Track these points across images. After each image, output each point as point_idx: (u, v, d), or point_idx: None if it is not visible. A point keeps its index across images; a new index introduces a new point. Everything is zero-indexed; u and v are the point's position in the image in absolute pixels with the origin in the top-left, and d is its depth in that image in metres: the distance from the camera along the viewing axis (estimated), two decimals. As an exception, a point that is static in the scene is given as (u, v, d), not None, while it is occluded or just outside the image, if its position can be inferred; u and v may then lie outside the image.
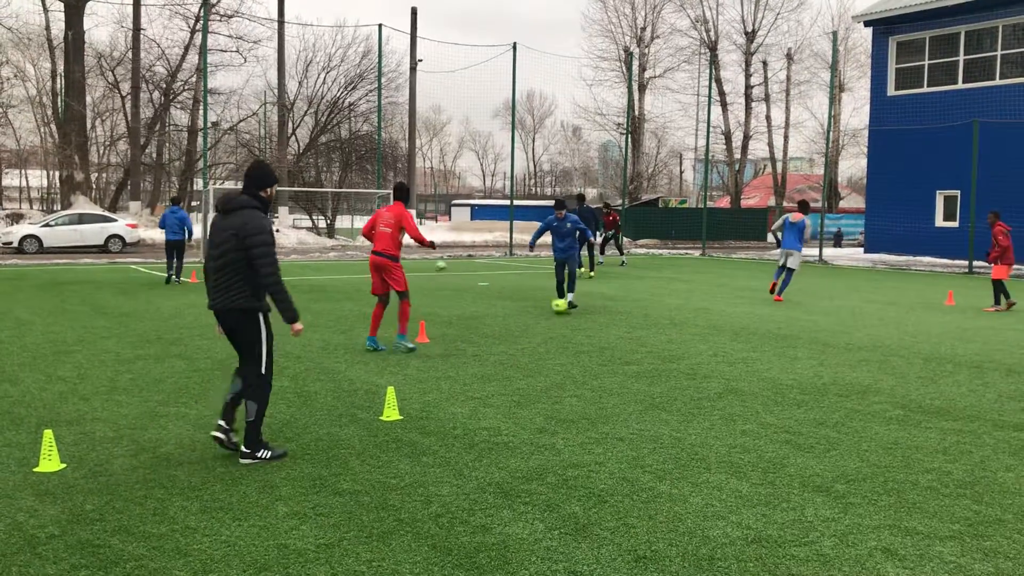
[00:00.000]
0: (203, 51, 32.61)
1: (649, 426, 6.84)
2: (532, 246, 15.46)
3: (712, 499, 5.16)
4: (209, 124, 40.24)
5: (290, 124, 44.87)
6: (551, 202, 35.22)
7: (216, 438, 5.87)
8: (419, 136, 64.12)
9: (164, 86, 44.07)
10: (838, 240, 47.43)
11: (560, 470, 5.67)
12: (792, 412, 7.38)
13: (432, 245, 10.93)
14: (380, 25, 31.43)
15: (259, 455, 5.77)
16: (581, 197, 25.07)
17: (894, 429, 6.83)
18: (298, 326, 6.09)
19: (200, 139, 33.99)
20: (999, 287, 15.74)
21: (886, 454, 6.14)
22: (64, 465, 5.65)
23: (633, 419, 7.06)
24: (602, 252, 27.03)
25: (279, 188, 41.34)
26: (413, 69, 44.35)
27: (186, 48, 43.50)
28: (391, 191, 10.34)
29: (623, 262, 27.04)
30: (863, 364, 9.70)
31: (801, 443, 6.40)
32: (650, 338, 11.42)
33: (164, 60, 44.14)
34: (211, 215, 27.51)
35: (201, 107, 32.38)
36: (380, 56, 32.69)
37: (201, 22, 34.98)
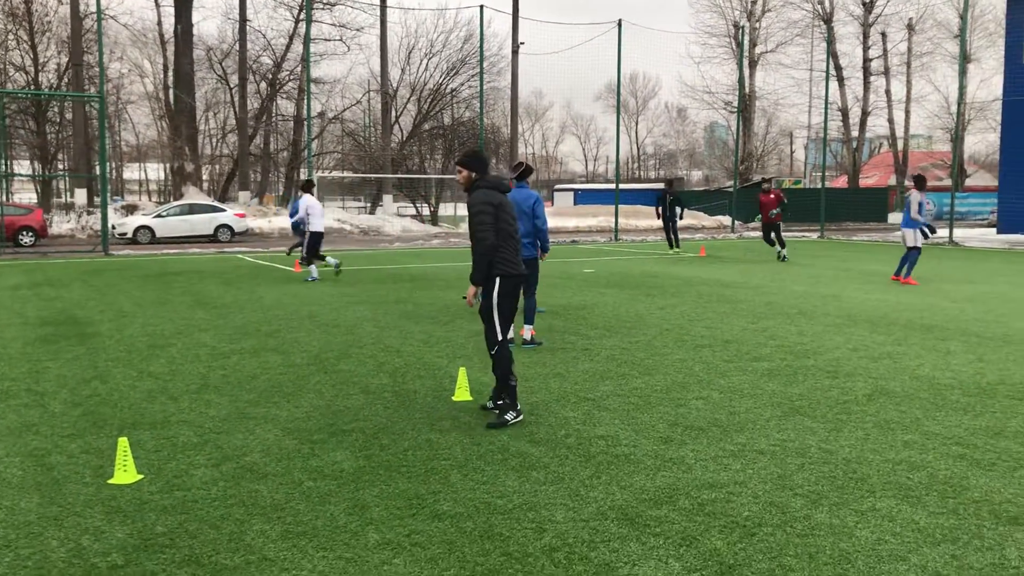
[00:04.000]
0: (307, 40, 32.63)
1: (792, 435, 5.93)
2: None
3: (884, 532, 4.25)
4: (314, 114, 40.53)
5: (393, 112, 44.84)
6: (659, 185, 34.04)
7: None
8: (521, 121, 63.49)
9: (270, 77, 44.65)
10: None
11: (694, 491, 4.84)
12: (959, 419, 6.34)
13: None
14: (481, 7, 30.79)
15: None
16: (669, 182, 23.57)
17: (1091, 442, 5.74)
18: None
19: (305, 128, 34.10)
20: None
21: (1089, 475, 5.09)
22: (141, 476, 5.14)
23: (772, 427, 6.16)
24: (779, 243, 21.31)
25: (384, 175, 41.44)
26: (515, 52, 43.62)
27: (291, 38, 43.94)
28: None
29: (781, 255, 21.19)
30: (1030, 360, 8.50)
31: (979, 459, 5.39)
32: (778, 329, 10.40)
33: (270, 51, 44.73)
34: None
35: (306, 97, 32.43)
36: (481, 38, 32.09)
37: (305, 11, 35.08)
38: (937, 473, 5.13)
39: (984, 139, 63.26)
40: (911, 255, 15.60)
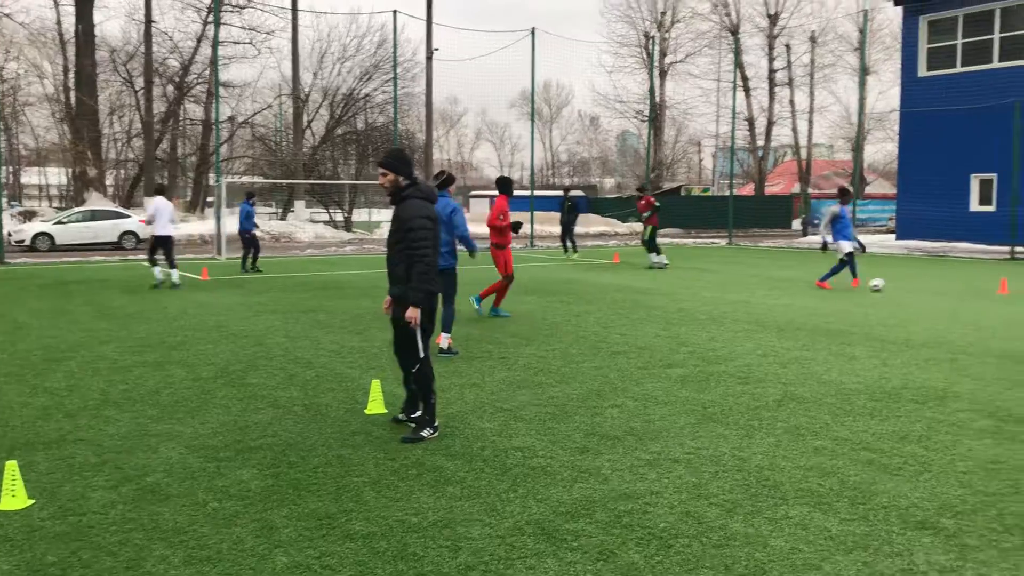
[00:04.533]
0: (215, 43, 31.85)
1: (706, 443, 5.96)
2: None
3: (797, 541, 4.28)
4: (223, 118, 39.60)
5: (305, 116, 44.13)
6: (576, 192, 34.14)
7: None
8: (436, 127, 63.26)
9: (177, 80, 43.41)
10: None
11: (610, 502, 4.81)
12: (866, 423, 6.48)
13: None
14: (395, 11, 30.54)
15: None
16: (567, 188, 23.55)
17: (989, 444, 5.92)
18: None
19: (214, 133, 33.26)
20: None
21: (989, 477, 5.23)
22: (32, 501, 4.85)
23: (686, 434, 6.18)
24: (655, 251, 21.50)
25: (295, 181, 40.72)
26: (429, 58, 43.44)
27: (199, 40, 42.79)
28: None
29: (653, 262, 21.39)
30: (931, 364, 8.77)
31: (886, 463, 5.50)
32: (690, 336, 10.52)
33: (177, 53, 43.48)
34: (225, 209, 26.81)
35: (215, 101, 31.63)
36: (395, 43, 31.81)
37: (213, 14, 34.25)
38: (847, 479, 5.21)
39: (883, 149, 65.67)
40: (840, 263, 16.20)
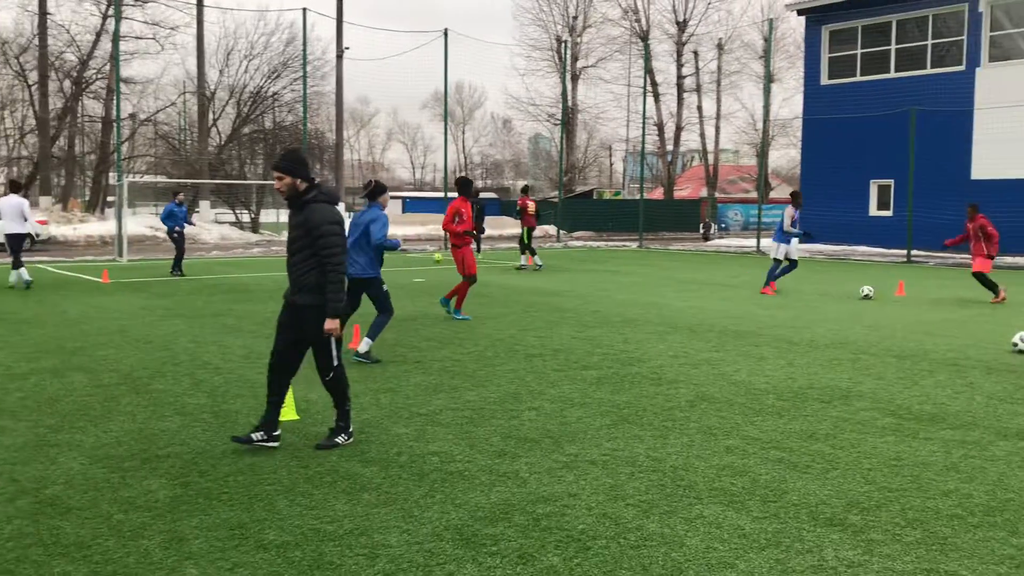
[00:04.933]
0: (116, 38, 30.78)
1: (622, 444, 6.02)
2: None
3: (712, 540, 4.35)
4: (124, 115, 38.32)
5: (211, 114, 43.05)
6: (488, 194, 34.24)
7: None
8: (346, 127, 62.51)
9: (75, 75, 41.80)
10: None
11: (528, 506, 4.80)
12: (775, 423, 6.64)
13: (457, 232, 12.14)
14: (304, 9, 30.05)
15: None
16: (476, 191, 23.35)
17: (892, 442, 6.13)
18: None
19: (115, 131, 32.16)
20: (984, 280, 15.08)
21: (893, 473, 5.42)
22: (-81, 518, 4.58)
23: (603, 436, 6.23)
24: (529, 251, 21.89)
25: (200, 181, 39.72)
26: (340, 57, 42.86)
27: (98, 35, 41.27)
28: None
29: (522, 264, 21.96)
30: (835, 364, 9.05)
31: (796, 462, 5.64)
32: (604, 338, 10.62)
33: (75, 47, 41.88)
34: (126, 209, 25.94)
35: (115, 97, 30.55)
36: (305, 42, 31.32)
37: (114, 7, 33.13)
38: (758, 478, 5.32)
39: (786, 154, 67.70)
40: (775, 267, 16.47)
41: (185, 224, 20.01)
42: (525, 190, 23.54)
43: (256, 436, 5.80)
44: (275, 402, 5.92)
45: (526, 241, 21.86)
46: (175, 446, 5.92)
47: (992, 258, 15.03)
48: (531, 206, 22.06)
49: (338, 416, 6.03)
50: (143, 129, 45.98)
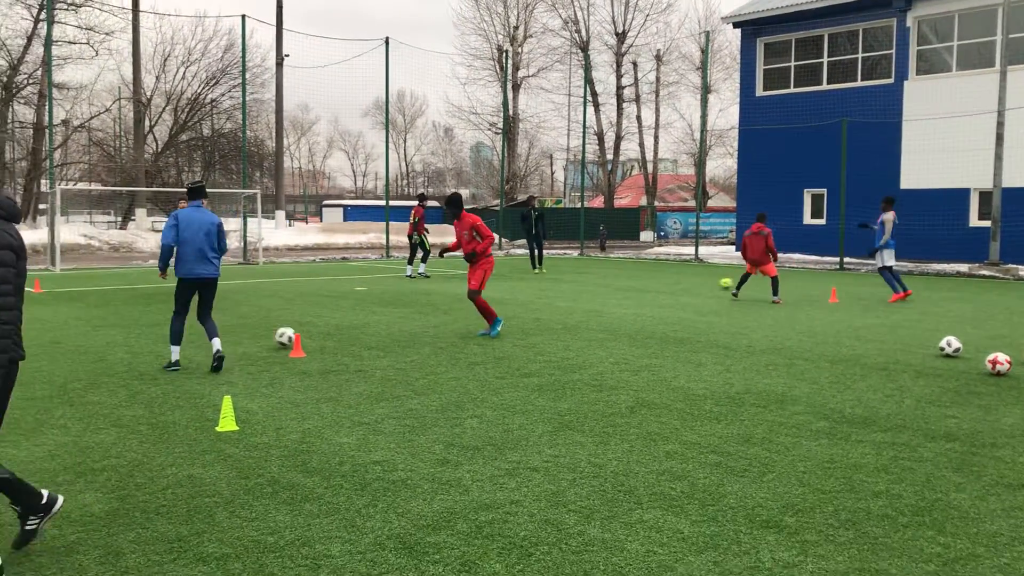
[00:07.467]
0: (48, 43, 30.09)
1: (563, 451, 6.07)
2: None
3: (652, 544, 4.42)
4: (57, 121, 37.44)
5: (147, 121, 42.30)
6: (434, 203, 33.80)
7: None
8: (287, 135, 61.84)
9: (5, 80, 40.73)
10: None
11: (471, 513, 4.82)
12: (712, 427, 6.76)
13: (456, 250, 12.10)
14: (244, 16, 29.73)
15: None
16: (421, 197, 23.35)
17: (825, 445, 6.29)
18: None
19: (47, 137, 31.40)
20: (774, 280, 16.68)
21: (826, 476, 5.56)
22: None
23: (544, 443, 6.28)
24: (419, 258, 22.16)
25: (136, 188, 38.96)
26: (280, 64, 42.48)
27: (29, 39, 40.27)
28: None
29: (409, 272, 22.02)
30: (771, 369, 9.25)
31: (733, 466, 5.76)
32: (546, 345, 10.70)
33: (4, 51, 40.81)
34: (59, 217, 25.34)
35: (47, 103, 29.84)
36: (244, 49, 30.97)
37: (46, 11, 32.37)
38: (697, 482, 5.42)
39: (723, 164, 68.88)
40: (891, 275, 16.76)
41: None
42: (422, 198, 23.29)
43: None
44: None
45: (427, 248, 22.12)
46: (111, 459, 5.82)
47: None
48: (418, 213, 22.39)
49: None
50: (77, 136, 45.00)
